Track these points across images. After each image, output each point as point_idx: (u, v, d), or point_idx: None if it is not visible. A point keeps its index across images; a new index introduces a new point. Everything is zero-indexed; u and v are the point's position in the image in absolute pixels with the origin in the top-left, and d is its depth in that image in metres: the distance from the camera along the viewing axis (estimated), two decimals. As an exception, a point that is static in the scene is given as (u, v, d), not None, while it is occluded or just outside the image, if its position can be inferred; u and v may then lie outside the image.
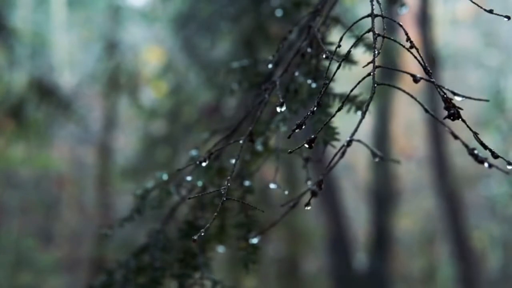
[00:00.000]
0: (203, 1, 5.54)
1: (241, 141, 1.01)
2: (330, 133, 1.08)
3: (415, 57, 0.90)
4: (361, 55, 1.32)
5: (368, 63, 0.88)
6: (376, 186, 8.33)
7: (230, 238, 1.51)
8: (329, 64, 0.97)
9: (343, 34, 0.99)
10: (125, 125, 9.22)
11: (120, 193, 8.72)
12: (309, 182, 1.19)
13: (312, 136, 0.89)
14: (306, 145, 0.90)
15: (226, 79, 5.29)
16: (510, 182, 9.24)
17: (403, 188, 9.62)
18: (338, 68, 0.95)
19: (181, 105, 6.51)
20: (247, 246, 1.28)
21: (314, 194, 0.87)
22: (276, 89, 1.07)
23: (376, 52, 0.88)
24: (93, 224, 8.54)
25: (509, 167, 0.94)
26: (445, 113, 0.87)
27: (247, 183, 1.34)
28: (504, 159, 0.93)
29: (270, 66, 1.24)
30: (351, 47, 0.99)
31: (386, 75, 6.94)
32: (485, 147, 0.90)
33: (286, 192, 1.18)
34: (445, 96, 0.87)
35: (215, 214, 0.91)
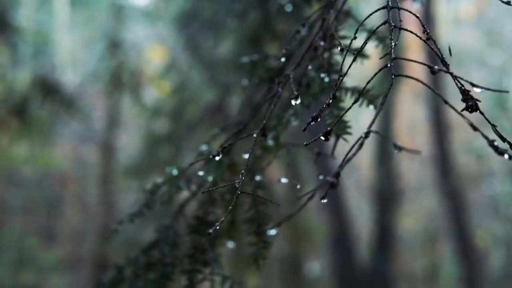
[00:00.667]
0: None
1: (254, 135, 1.00)
2: (342, 127, 1.07)
3: (432, 49, 0.89)
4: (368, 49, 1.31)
5: (385, 55, 0.87)
6: (379, 185, 8.33)
7: (240, 234, 1.50)
8: (344, 57, 0.96)
9: (359, 26, 0.98)
10: (128, 124, 9.21)
11: (122, 192, 8.72)
12: (321, 176, 1.18)
13: (328, 129, 0.88)
14: (322, 138, 0.89)
15: (235, 75, 5.28)
16: (510, 183, 9.22)
17: (406, 187, 9.61)
18: (353, 61, 0.94)
19: (184, 104, 6.50)
20: (258, 241, 1.28)
21: (332, 185, 0.86)
22: (290, 83, 1.06)
23: (393, 44, 0.87)
24: (95, 222, 8.54)
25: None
26: (463, 105, 0.86)
27: (258, 178, 1.33)
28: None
29: (282, 59, 1.24)
30: (366, 39, 0.98)
31: (389, 74, 6.93)
32: (503, 139, 0.89)
33: (298, 186, 1.17)
34: (463, 88, 0.86)
35: (230, 208, 0.90)
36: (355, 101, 0.89)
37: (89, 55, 9.55)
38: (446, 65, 0.90)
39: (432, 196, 9.89)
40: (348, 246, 7.74)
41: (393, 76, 0.84)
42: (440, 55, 0.90)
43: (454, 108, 0.83)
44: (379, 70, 0.86)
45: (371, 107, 1.12)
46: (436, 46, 0.89)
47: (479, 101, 0.87)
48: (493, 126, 0.88)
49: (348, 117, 1.21)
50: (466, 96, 0.86)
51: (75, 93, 5.30)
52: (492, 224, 9.93)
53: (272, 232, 1.23)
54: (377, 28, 0.94)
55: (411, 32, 0.93)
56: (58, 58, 8.29)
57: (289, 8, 1.59)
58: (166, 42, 7.58)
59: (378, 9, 0.93)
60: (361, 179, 10.15)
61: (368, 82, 0.91)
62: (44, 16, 8.58)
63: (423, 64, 0.88)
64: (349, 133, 1.07)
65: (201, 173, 1.28)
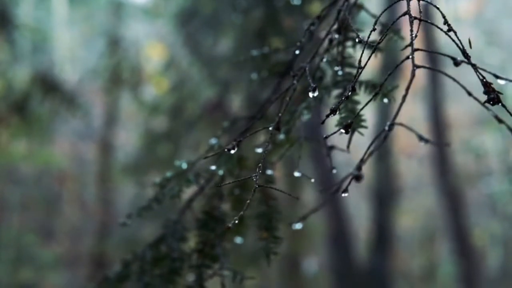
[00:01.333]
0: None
1: (270, 128, 0.99)
2: (358, 121, 1.06)
3: (453, 41, 0.87)
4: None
5: (406, 46, 0.86)
6: (377, 184, 8.32)
7: (248, 229, 1.49)
8: (363, 49, 0.94)
9: (377, 18, 0.97)
10: (126, 121, 9.19)
11: (121, 189, 8.70)
12: (334, 171, 1.17)
13: (349, 121, 0.87)
14: (343, 130, 0.88)
15: (234, 72, 5.27)
16: (511, 180, 9.24)
17: (404, 186, 9.61)
18: (372, 53, 0.93)
19: (183, 101, 6.48)
20: (269, 236, 1.26)
21: (358, 178, 0.84)
22: (305, 75, 1.05)
23: (414, 35, 0.85)
24: (94, 220, 8.53)
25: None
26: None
27: (269, 172, 1.32)
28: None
29: (297, 52, 1.22)
30: (385, 32, 0.96)
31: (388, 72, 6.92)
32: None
33: (313, 180, 1.16)
34: (484, 80, 0.85)
35: (248, 201, 0.89)
36: (376, 94, 0.88)
37: (87, 53, 9.52)
38: (467, 57, 0.88)
39: (430, 194, 9.90)
40: (346, 244, 7.74)
41: (415, 68, 0.82)
42: (461, 47, 0.88)
43: (478, 100, 0.82)
44: (401, 62, 0.85)
45: (385, 100, 1.11)
46: (458, 38, 0.88)
47: (501, 93, 0.86)
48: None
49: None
50: (488, 88, 0.85)
51: (74, 90, 5.28)
52: (490, 223, 9.95)
53: (298, 226, 1.22)
54: (396, 20, 0.93)
55: (432, 24, 0.92)
56: (56, 55, 8.27)
57: (298, 1, 1.57)
58: (165, 40, 7.56)
59: (397, 1, 0.91)
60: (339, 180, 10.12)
61: (388, 76, 0.89)
62: (42, 13, 8.56)
63: (446, 56, 0.87)
64: (365, 127, 1.06)
65: (213, 167, 1.26)
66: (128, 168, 7.22)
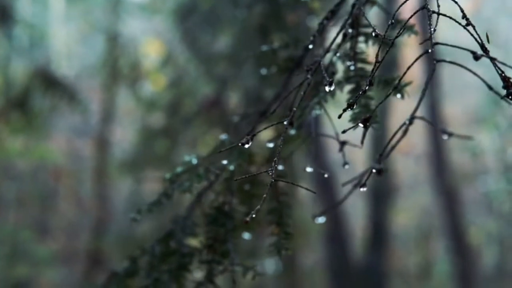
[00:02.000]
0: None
1: (285, 122, 0.98)
2: (373, 116, 1.05)
3: (471, 35, 0.87)
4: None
5: (425, 40, 0.86)
6: (373, 182, 8.33)
7: (257, 225, 1.49)
8: (380, 45, 0.94)
9: (394, 13, 0.97)
10: (123, 117, 9.17)
11: (117, 186, 8.69)
12: (347, 166, 1.17)
13: (368, 116, 0.87)
14: (361, 124, 0.87)
15: (232, 69, 5.26)
16: (507, 179, 9.26)
17: (400, 184, 9.63)
18: (389, 48, 0.93)
19: (180, 98, 6.47)
20: (280, 232, 1.26)
21: (379, 172, 0.84)
22: (319, 69, 1.05)
23: (432, 29, 0.85)
24: (89, 216, 8.51)
25: None
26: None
27: (280, 167, 1.31)
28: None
29: (310, 46, 1.22)
30: (402, 27, 0.96)
31: (386, 69, 6.93)
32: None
33: (326, 175, 1.16)
34: (503, 75, 0.85)
35: (264, 195, 0.88)
36: (395, 88, 0.88)
37: (84, 49, 9.50)
38: (486, 51, 0.88)
39: (426, 193, 9.93)
40: (343, 242, 7.75)
41: (435, 62, 0.82)
42: (480, 41, 0.88)
43: (498, 93, 0.82)
44: (420, 56, 0.85)
45: (399, 95, 1.11)
46: (476, 31, 0.88)
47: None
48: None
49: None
50: (507, 83, 0.85)
51: (74, 86, 5.26)
52: (486, 221, 9.98)
53: (321, 220, 1.22)
54: (413, 14, 0.93)
55: (450, 17, 0.92)
56: (53, 51, 8.24)
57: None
58: (162, 36, 7.54)
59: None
60: (356, 175, 10.15)
61: (405, 72, 0.89)
62: (39, 9, 8.52)
63: (466, 50, 0.87)
64: (378, 122, 1.05)
65: (225, 161, 1.25)
66: (125, 164, 7.21)
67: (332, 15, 1.18)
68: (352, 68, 1.17)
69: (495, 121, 9.09)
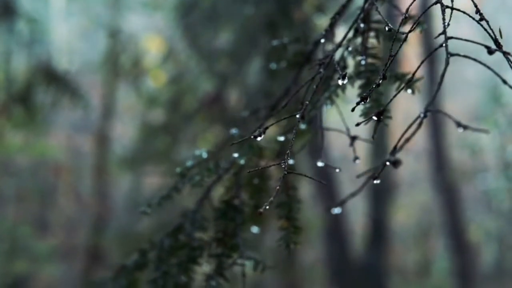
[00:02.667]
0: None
1: (298, 116, 0.99)
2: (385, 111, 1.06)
3: (485, 30, 0.88)
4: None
5: (439, 34, 0.86)
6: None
7: (265, 220, 1.50)
8: (394, 39, 0.94)
9: (408, 7, 0.98)
10: (123, 114, 9.17)
11: (117, 182, 8.69)
12: (357, 161, 1.18)
13: (382, 109, 0.87)
14: (375, 118, 0.88)
15: (233, 65, 5.25)
16: (507, 177, 9.28)
17: (400, 181, 9.64)
18: (402, 43, 0.93)
19: (181, 94, 6.46)
20: (289, 226, 1.27)
21: (396, 163, 0.85)
22: (332, 63, 1.05)
23: (446, 24, 0.86)
24: (89, 212, 8.51)
25: None
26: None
27: (290, 162, 1.32)
28: None
29: (322, 40, 1.22)
30: (415, 22, 0.97)
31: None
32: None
33: (338, 170, 1.16)
34: (517, 69, 0.85)
35: (277, 187, 0.89)
36: (409, 81, 0.88)
37: (84, 45, 9.49)
38: (499, 45, 0.89)
39: (426, 190, 9.94)
40: (342, 239, 7.76)
41: (449, 56, 0.83)
42: (493, 36, 0.89)
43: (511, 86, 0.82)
44: (435, 50, 0.85)
45: (409, 91, 1.12)
46: (490, 27, 0.88)
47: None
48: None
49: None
50: (521, 77, 0.85)
51: (75, 81, 5.26)
52: (485, 219, 10.00)
53: (337, 210, 1.23)
54: (428, 8, 0.93)
55: (464, 12, 0.92)
56: (53, 47, 8.23)
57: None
58: (163, 32, 7.53)
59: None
60: (355, 172, 10.16)
61: (419, 66, 0.90)
62: (40, 5, 8.51)
63: (480, 44, 0.88)
64: (390, 117, 1.06)
65: (236, 155, 1.26)
66: (125, 161, 7.20)
67: (344, 10, 1.19)
68: (363, 63, 1.17)
69: (494, 119, 9.10)
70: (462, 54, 0.84)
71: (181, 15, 6.18)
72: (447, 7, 0.89)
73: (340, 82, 1.01)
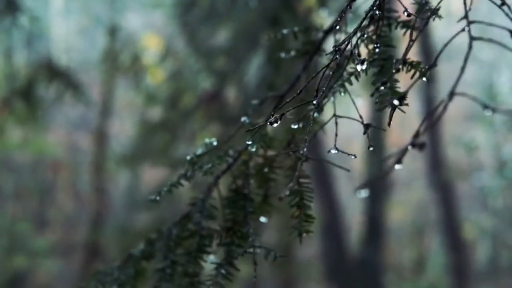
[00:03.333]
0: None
1: (314, 102, 0.98)
2: (401, 97, 1.05)
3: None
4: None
5: (461, 19, 0.86)
6: (369, 177, 8.36)
7: (273, 209, 1.49)
8: (412, 27, 0.94)
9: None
10: (120, 111, 9.17)
11: (115, 179, 8.69)
12: (371, 148, 1.17)
13: (402, 94, 0.87)
14: (397, 101, 0.88)
15: (232, 63, 5.24)
16: (502, 175, 9.31)
17: (396, 179, 9.67)
18: (420, 31, 0.93)
19: (180, 91, 6.45)
20: (300, 214, 1.26)
21: (421, 146, 0.85)
22: (349, 49, 1.05)
23: (468, 8, 0.86)
24: (87, 209, 8.52)
25: None
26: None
27: (302, 150, 1.31)
28: None
29: (338, 27, 1.22)
30: (434, 10, 0.96)
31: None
32: None
33: (354, 157, 1.16)
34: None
35: (296, 173, 0.88)
36: (431, 67, 0.88)
37: (83, 43, 9.47)
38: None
39: (421, 188, 9.97)
40: (339, 236, 7.78)
41: (471, 39, 0.83)
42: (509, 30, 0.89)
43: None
44: (455, 35, 0.85)
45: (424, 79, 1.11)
46: (507, 15, 0.88)
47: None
48: None
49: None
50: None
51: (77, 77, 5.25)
52: (480, 217, 10.04)
53: (364, 193, 1.22)
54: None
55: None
56: (52, 44, 8.21)
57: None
58: (162, 30, 7.52)
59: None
60: (352, 169, 10.19)
61: (441, 50, 0.89)
62: (40, 2, 8.47)
63: (504, 28, 0.87)
64: (406, 104, 1.06)
65: (249, 142, 1.25)
66: (123, 158, 7.19)
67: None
68: (377, 50, 1.17)
69: (490, 118, 9.13)
70: (484, 38, 0.83)
71: (180, 13, 6.17)
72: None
73: (359, 67, 1.01)
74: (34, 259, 8.08)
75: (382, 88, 1.03)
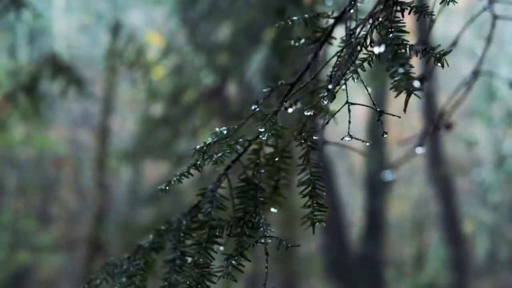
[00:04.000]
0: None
1: (330, 86, 0.97)
2: (412, 86, 1.04)
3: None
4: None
5: None
6: (370, 172, 8.36)
7: (283, 200, 1.48)
8: (426, 11, 0.92)
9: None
10: (123, 108, 9.18)
11: (117, 175, 8.70)
12: (385, 135, 1.16)
13: (423, 75, 0.86)
14: (418, 82, 0.86)
15: (234, 59, 5.23)
16: (501, 171, 9.30)
17: (396, 174, 9.66)
18: (437, 16, 0.91)
19: (182, 87, 6.44)
20: (313, 203, 1.25)
21: (449, 126, 0.83)
22: (368, 31, 1.03)
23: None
24: (90, 204, 8.55)
25: None
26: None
27: (316, 137, 1.29)
28: None
29: (351, 10, 1.20)
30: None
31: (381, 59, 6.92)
32: None
33: (368, 144, 1.14)
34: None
35: (306, 164, 0.87)
36: (447, 52, 0.86)
37: (85, 39, 9.45)
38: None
39: (421, 183, 9.97)
40: (339, 231, 7.78)
41: (494, 17, 0.81)
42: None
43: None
44: (478, 14, 0.84)
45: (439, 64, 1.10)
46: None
47: None
48: None
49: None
50: None
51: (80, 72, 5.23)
52: (480, 212, 10.05)
53: (390, 177, 1.21)
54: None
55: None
56: (55, 40, 8.19)
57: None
58: (164, 26, 7.50)
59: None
60: (352, 166, 10.20)
61: (463, 29, 0.88)
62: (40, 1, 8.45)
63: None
64: (421, 89, 1.04)
65: (262, 129, 1.23)
66: (126, 154, 7.20)
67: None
68: (391, 35, 1.15)
69: (489, 114, 9.11)
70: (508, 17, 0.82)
71: (182, 9, 6.16)
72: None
73: (376, 49, 0.99)
74: (37, 254, 8.12)
75: (400, 70, 1.01)
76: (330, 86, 0.97)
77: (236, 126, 1.29)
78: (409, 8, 1.17)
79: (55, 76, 3.65)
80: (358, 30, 1.06)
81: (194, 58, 6.34)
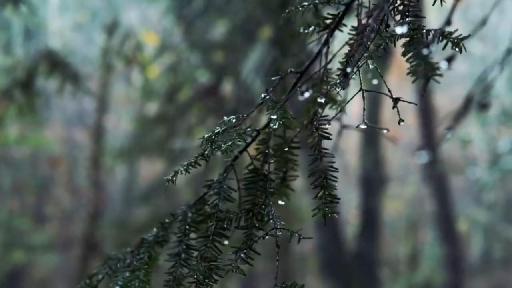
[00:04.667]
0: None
1: (348, 69, 0.93)
2: (431, 68, 1.01)
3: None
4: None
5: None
6: (365, 171, 8.35)
7: (291, 191, 1.45)
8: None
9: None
10: (118, 106, 9.14)
11: (112, 173, 8.67)
12: (402, 123, 1.13)
13: (451, 56, 0.82)
14: (446, 62, 0.83)
15: (230, 57, 5.20)
16: (496, 169, 9.31)
17: (391, 173, 9.67)
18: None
19: (177, 85, 6.42)
20: (324, 194, 1.21)
21: (485, 106, 0.80)
22: (386, 13, 1.00)
23: None
24: (85, 203, 8.52)
25: None
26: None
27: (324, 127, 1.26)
28: None
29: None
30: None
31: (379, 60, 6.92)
32: None
33: (385, 131, 1.11)
34: None
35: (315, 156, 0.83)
36: (465, 37, 0.83)
37: (80, 37, 9.41)
38: None
39: (416, 182, 9.98)
40: (334, 229, 7.76)
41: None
42: None
43: None
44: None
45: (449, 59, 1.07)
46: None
47: None
48: None
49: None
50: None
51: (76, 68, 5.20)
52: (474, 210, 10.07)
53: (423, 158, 1.17)
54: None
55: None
56: (49, 40, 8.14)
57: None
58: (160, 24, 7.46)
59: None
60: (347, 164, 10.19)
61: (476, 28, 0.85)
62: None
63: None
64: (440, 75, 1.01)
65: (274, 116, 1.19)
66: (121, 152, 7.17)
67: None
68: (407, 20, 1.12)
69: (483, 112, 9.10)
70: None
71: (177, 7, 6.14)
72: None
73: (399, 29, 0.96)
74: (32, 253, 8.09)
75: (418, 54, 0.98)
76: (348, 70, 0.93)
77: (245, 115, 1.26)
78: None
79: (52, 72, 3.61)
80: (374, 13, 1.02)
81: (189, 56, 6.31)
